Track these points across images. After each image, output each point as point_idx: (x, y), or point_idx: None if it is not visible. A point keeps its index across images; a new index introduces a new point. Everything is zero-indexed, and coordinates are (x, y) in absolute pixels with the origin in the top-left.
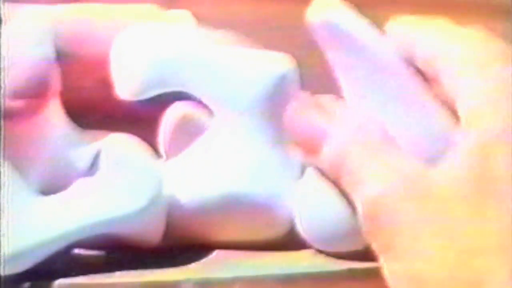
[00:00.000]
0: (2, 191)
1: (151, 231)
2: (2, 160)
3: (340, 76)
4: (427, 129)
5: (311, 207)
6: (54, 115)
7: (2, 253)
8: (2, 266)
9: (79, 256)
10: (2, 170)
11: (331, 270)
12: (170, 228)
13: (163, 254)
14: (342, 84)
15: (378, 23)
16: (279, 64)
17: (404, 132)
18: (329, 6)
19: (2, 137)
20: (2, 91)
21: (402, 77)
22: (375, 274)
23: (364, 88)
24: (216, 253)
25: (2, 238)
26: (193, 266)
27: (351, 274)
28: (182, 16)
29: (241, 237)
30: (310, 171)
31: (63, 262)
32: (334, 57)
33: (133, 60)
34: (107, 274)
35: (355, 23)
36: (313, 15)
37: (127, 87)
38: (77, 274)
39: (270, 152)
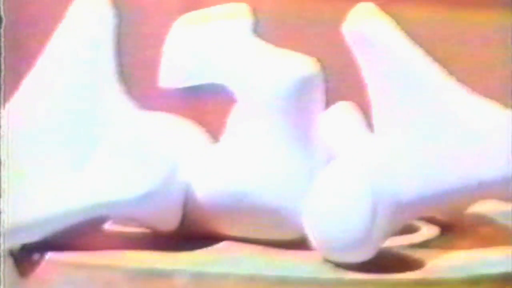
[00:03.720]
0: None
1: (167, 215)
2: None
3: (370, 84)
4: (460, 141)
5: (322, 216)
6: None
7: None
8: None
9: (110, 232)
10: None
11: (326, 278)
12: (187, 216)
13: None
14: (371, 93)
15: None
16: (302, 67)
17: (438, 145)
18: (366, 16)
19: (2, 132)
20: (2, 91)
21: (436, 89)
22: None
23: (395, 99)
24: (223, 244)
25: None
26: (190, 257)
27: (345, 284)
28: (239, 10)
29: (251, 235)
30: (321, 177)
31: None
32: (367, 66)
33: (180, 51)
34: (119, 253)
35: (390, 35)
36: (349, 24)
37: (171, 75)
38: (105, 248)
39: (291, 156)
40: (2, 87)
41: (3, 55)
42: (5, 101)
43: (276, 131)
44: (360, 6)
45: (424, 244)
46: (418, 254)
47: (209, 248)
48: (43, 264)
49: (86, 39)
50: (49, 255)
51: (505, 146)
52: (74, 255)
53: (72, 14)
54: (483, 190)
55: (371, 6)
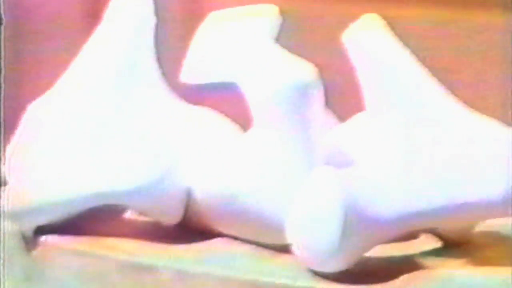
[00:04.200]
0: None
1: (169, 209)
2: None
3: (367, 96)
4: (454, 161)
5: (297, 224)
6: None
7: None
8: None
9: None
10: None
11: (298, 286)
12: (188, 211)
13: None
14: (367, 104)
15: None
16: (299, 74)
17: (430, 162)
18: (367, 27)
19: (2, 131)
20: (2, 91)
21: (434, 106)
22: None
23: (389, 113)
24: (217, 240)
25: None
26: (182, 252)
27: None
28: (267, 10)
29: (243, 236)
30: (305, 188)
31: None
32: (364, 78)
33: (203, 48)
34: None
35: (390, 50)
36: (350, 35)
37: (193, 71)
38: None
39: (285, 162)
40: (3, 86)
41: (3, 55)
42: (4, 98)
43: (272, 137)
44: (364, 17)
45: (417, 257)
46: (401, 266)
47: (204, 243)
48: (41, 246)
49: (129, 34)
50: (47, 238)
51: (503, 167)
52: (72, 240)
53: (113, 11)
54: (481, 211)
55: (375, 17)
